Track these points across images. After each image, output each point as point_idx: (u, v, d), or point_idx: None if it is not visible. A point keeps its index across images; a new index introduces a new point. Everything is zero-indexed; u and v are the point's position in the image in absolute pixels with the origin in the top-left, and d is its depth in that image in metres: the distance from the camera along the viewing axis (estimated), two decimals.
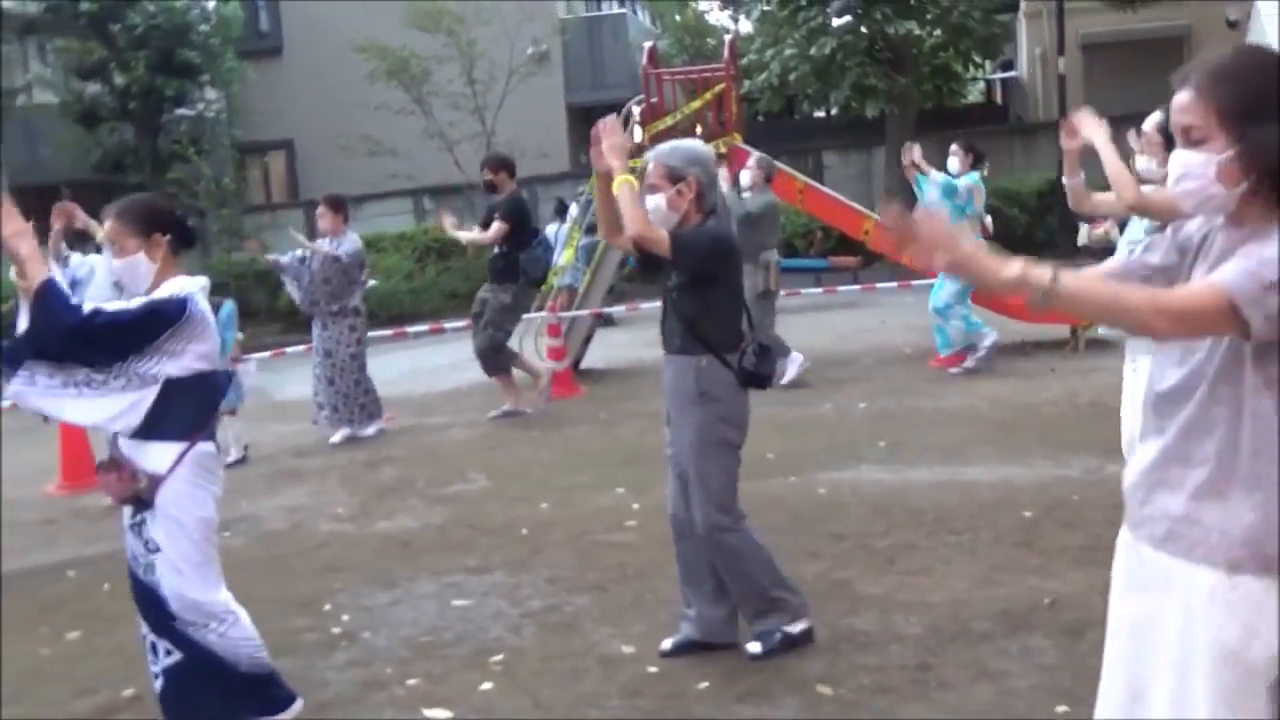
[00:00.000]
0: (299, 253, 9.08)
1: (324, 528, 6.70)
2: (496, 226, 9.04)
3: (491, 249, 9.31)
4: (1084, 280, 2.04)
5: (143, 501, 3.60)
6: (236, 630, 3.76)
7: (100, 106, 21.96)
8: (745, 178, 9.83)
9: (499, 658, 4.40)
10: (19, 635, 5.23)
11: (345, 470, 8.20)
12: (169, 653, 3.70)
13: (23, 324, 3.47)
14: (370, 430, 9.12)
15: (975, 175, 9.67)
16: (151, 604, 3.68)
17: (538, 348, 10.77)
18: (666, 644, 4.31)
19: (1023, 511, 5.65)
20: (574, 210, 13.50)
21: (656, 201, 4.13)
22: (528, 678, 4.22)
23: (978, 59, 23.61)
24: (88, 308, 3.48)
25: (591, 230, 12.69)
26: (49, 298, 3.39)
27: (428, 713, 3.99)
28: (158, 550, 3.63)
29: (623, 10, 28.11)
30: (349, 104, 21.63)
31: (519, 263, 9.09)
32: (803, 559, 5.09)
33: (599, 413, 9.42)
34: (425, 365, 13.53)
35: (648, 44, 12.85)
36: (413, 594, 5.27)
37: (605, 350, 12.53)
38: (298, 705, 3.89)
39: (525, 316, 11.21)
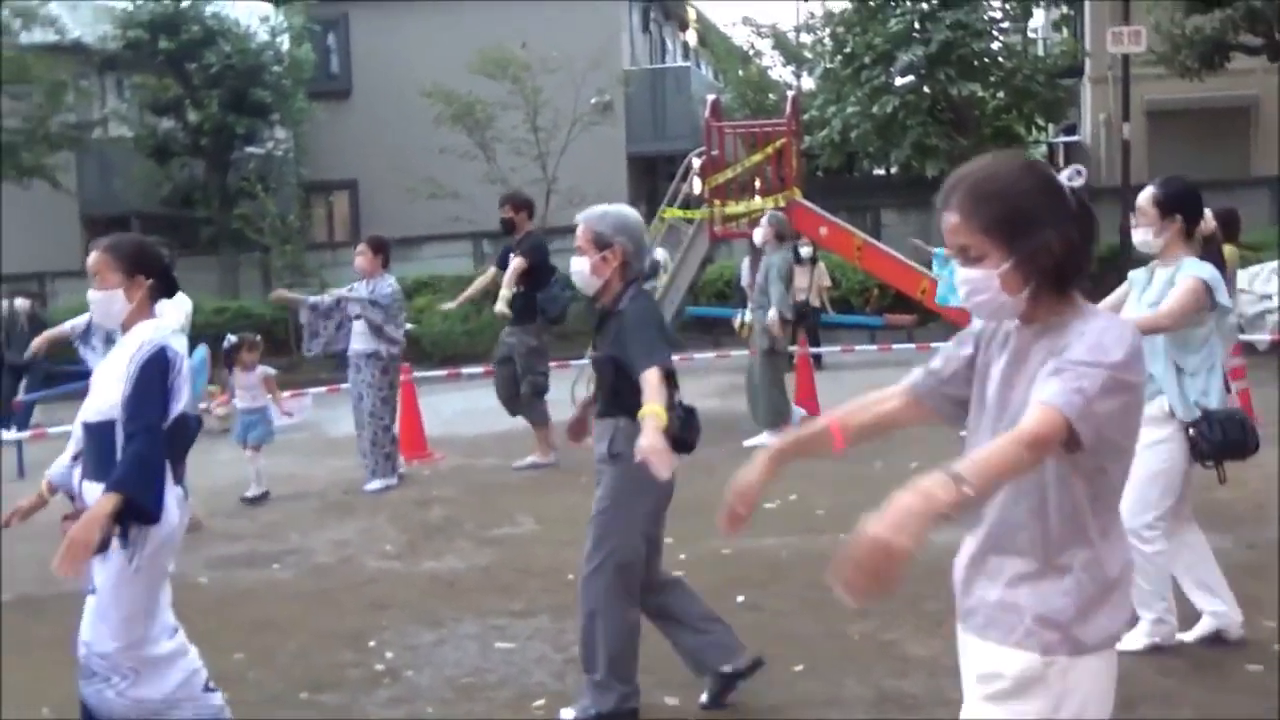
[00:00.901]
0: (328, 297, 9.05)
1: (372, 564, 6.74)
2: (515, 264, 8.94)
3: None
4: (982, 465, 1.98)
5: (99, 544, 3.48)
6: (134, 691, 3.61)
7: (173, 142, 22.47)
8: (758, 235, 9.92)
9: (541, 702, 4.40)
10: (68, 656, 5.27)
11: (395, 508, 8.25)
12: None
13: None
14: (380, 485, 8.78)
15: None
16: None
17: (590, 391, 10.80)
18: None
19: None
20: None
21: (580, 265, 4.18)
22: None
23: (1040, 122, 23.54)
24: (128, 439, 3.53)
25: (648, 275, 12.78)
26: (128, 482, 3.45)
27: None
28: (91, 592, 3.57)
29: (686, 64, 28.38)
30: (413, 147, 21.97)
31: (537, 302, 9.05)
32: (850, 618, 5.04)
33: None
34: (478, 406, 13.56)
35: (711, 97, 12.98)
36: (457, 634, 5.28)
37: None
38: None
39: (575, 363, 11.27)
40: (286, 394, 10.00)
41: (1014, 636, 2.17)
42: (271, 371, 9.16)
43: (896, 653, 4.75)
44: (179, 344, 3.69)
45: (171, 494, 3.59)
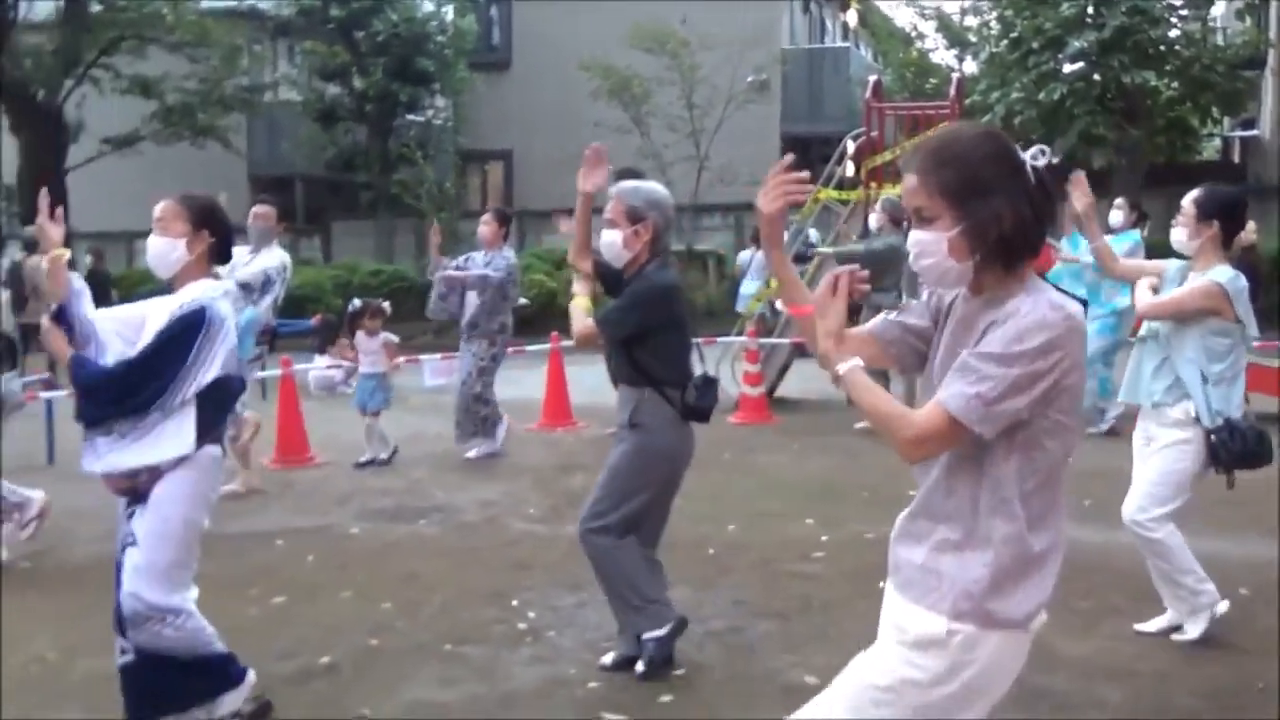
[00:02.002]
0: (455, 262, 9.02)
1: (516, 526, 6.85)
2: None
3: None
4: (861, 379, 2.21)
5: (138, 494, 3.58)
6: (191, 623, 3.69)
7: (339, 107, 23.14)
8: (873, 220, 9.85)
9: (680, 672, 4.41)
10: (231, 594, 5.50)
11: (539, 473, 8.37)
12: (124, 652, 3.68)
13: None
14: (480, 452, 8.83)
15: (1136, 234, 9.38)
16: (117, 594, 3.65)
17: (734, 372, 10.79)
18: (606, 658, 4.43)
19: (1238, 589, 5.33)
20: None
21: (612, 237, 4.21)
22: (707, 695, 4.22)
23: (1217, 114, 22.51)
24: (109, 361, 3.61)
25: (799, 259, 12.65)
26: (76, 367, 3.56)
27: (608, 716, 4.02)
28: (133, 544, 3.59)
29: (845, 45, 27.95)
30: (569, 119, 22.16)
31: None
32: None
33: (791, 443, 9.36)
34: None
35: (873, 78, 12.75)
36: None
37: (801, 381, 12.43)
38: (250, 678, 3.88)
39: (723, 340, 11.26)
40: (438, 356, 10.21)
41: (928, 599, 2.23)
42: (394, 339, 9.22)
43: (1045, 649, 4.61)
44: (224, 308, 3.69)
45: (209, 453, 3.65)
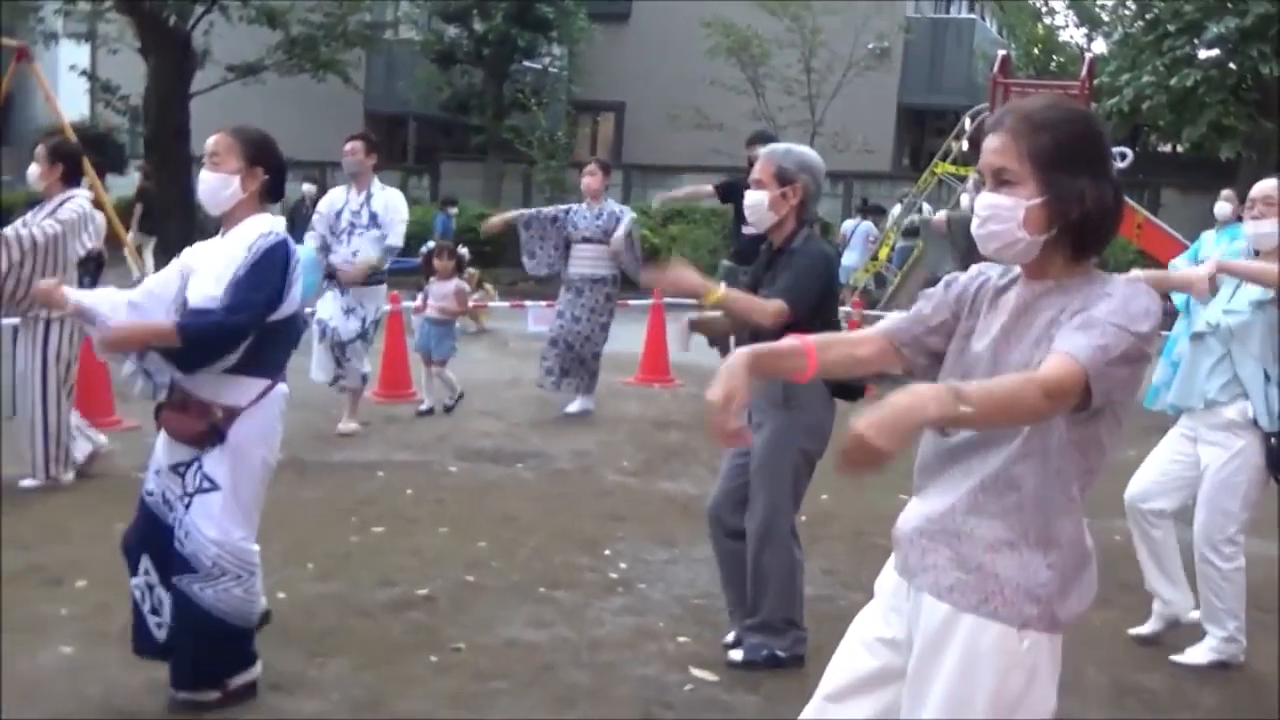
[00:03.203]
0: (550, 211, 8.85)
1: (610, 477, 6.93)
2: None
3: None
4: (988, 391, 1.91)
5: (214, 436, 3.45)
6: (257, 584, 3.60)
7: (457, 49, 23.31)
8: (964, 198, 9.59)
9: None
10: (333, 521, 5.69)
11: (634, 426, 8.44)
12: (159, 626, 3.57)
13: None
14: (582, 407, 8.71)
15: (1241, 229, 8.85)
16: (165, 552, 3.50)
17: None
18: (729, 637, 4.30)
19: None
20: (895, 212, 13.33)
21: (759, 198, 4.07)
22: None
23: None
24: (219, 308, 3.44)
25: (910, 233, 12.51)
26: (192, 338, 3.40)
27: (696, 672, 4.07)
28: (209, 489, 3.44)
29: (972, 16, 27.36)
30: (684, 76, 22.07)
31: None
32: (1093, 605, 4.86)
33: None
34: None
35: (1001, 52, 12.48)
36: (690, 556, 5.38)
37: None
38: (256, 668, 3.69)
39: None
40: (543, 303, 10.29)
41: (988, 606, 2.07)
42: (466, 287, 9.01)
43: (1139, 646, 4.56)
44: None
45: (280, 390, 3.60)
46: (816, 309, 3.98)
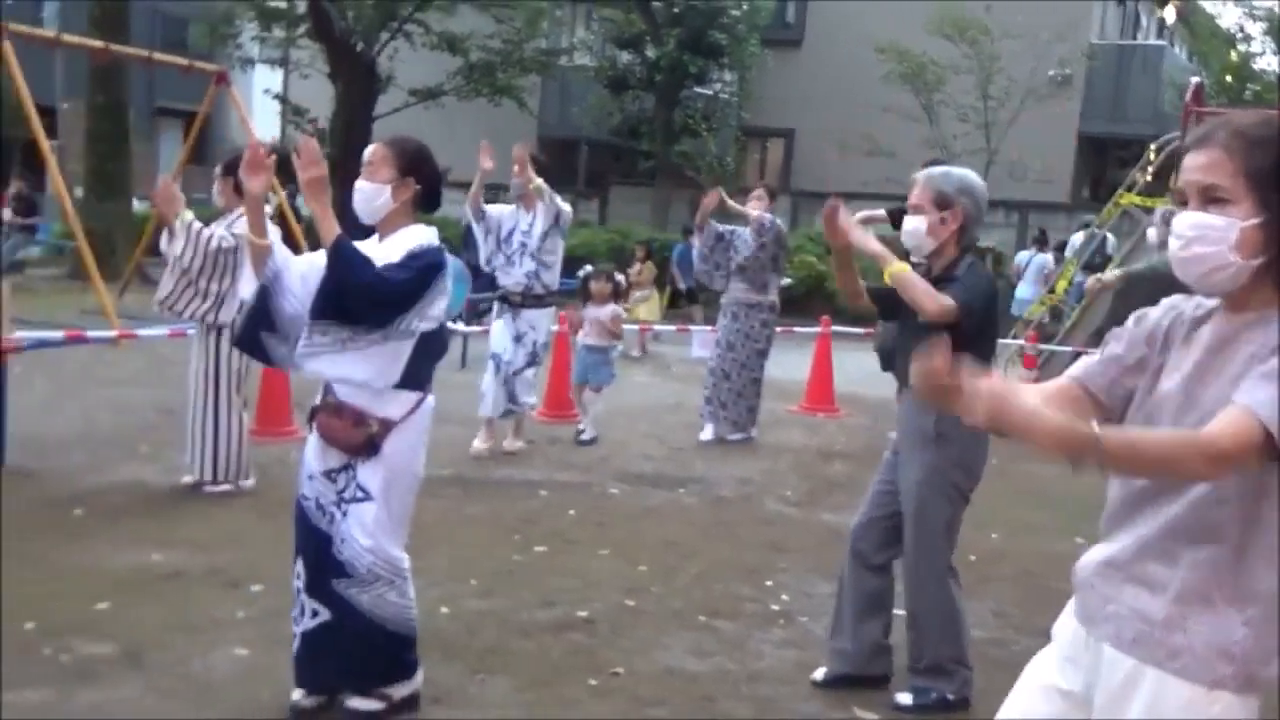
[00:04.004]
0: (719, 227, 8.62)
1: (772, 506, 6.83)
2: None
3: None
4: (1133, 442, 1.82)
5: (369, 448, 3.47)
6: (409, 590, 3.60)
7: (630, 75, 23.60)
8: (1151, 233, 9.04)
9: None
10: (496, 537, 5.75)
11: (798, 456, 8.32)
12: (315, 614, 3.55)
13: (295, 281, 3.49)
14: (740, 436, 8.57)
15: None
16: (322, 557, 3.52)
17: (1008, 377, 10.38)
18: (818, 674, 4.17)
19: None
20: (1076, 240, 12.86)
21: (916, 224, 3.86)
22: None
23: None
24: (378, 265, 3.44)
25: (1090, 268, 12.07)
26: (346, 254, 3.37)
27: (859, 712, 3.95)
28: (363, 499, 3.47)
29: (1160, 43, 26.33)
30: (856, 102, 21.84)
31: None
32: None
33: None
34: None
35: (1194, 80, 11.95)
36: None
37: None
38: (418, 678, 3.69)
39: (1000, 341, 10.84)
40: (707, 329, 10.26)
41: (1177, 662, 1.90)
42: (622, 313, 8.89)
43: None
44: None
45: (430, 403, 3.60)
46: (978, 332, 3.80)
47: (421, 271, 3.45)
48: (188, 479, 6.23)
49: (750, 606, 4.97)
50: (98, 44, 13.88)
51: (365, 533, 3.47)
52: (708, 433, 8.60)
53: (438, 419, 8.15)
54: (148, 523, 5.58)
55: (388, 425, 3.48)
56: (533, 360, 7.62)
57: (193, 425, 6.17)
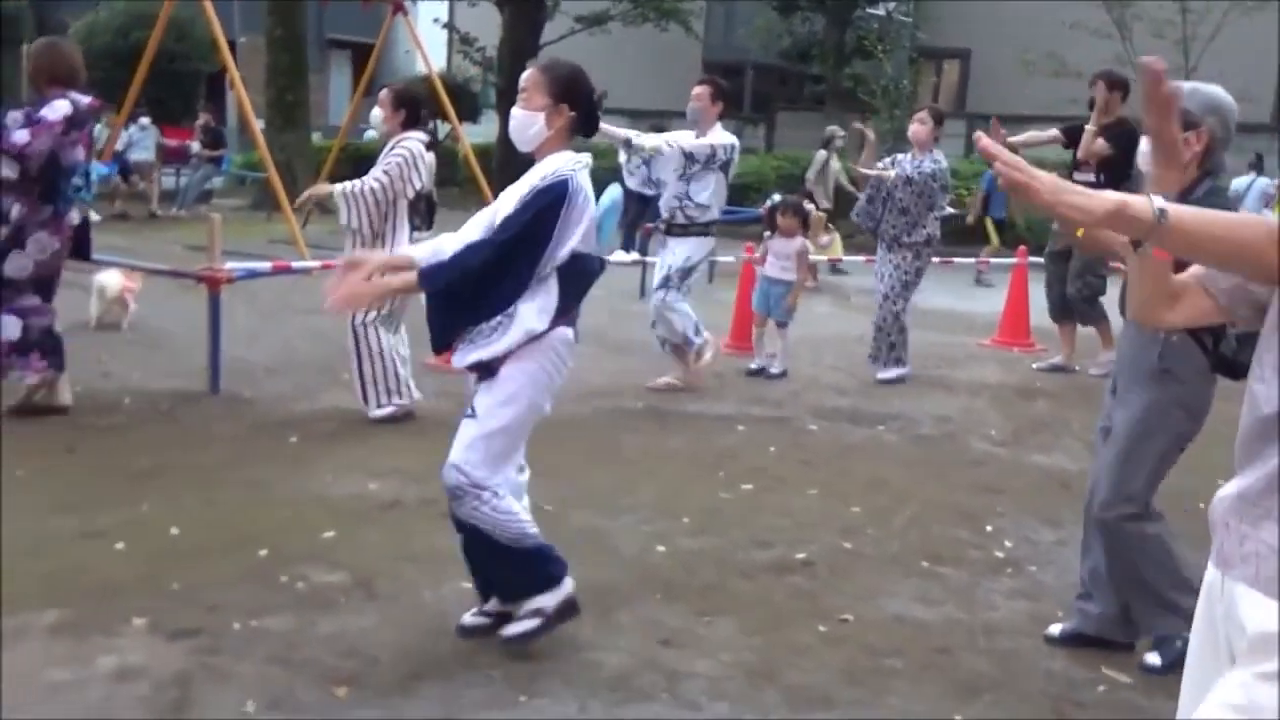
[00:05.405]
0: (881, 163, 8.24)
1: (977, 445, 6.57)
2: (1098, 145, 7.80)
3: None
4: (1200, 210, 1.72)
5: (484, 369, 3.43)
6: (504, 505, 3.48)
7: None
8: None
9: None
10: (700, 474, 5.67)
11: (995, 392, 8.01)
12: (460, 528, 3.57)
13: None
14: (892, 374, 8.08)
15: None
16: None
17: None
18: (1054, 629, 3.95)
19: None
20: None
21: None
22: None
23: None
24: (462, 244, 3.43)
25: None
26: (443, 274, 3.37)
27: (1107, 671, 3.74)
28: (470, 416, 3.46)
29: None
30: (1038, 19, 20.80)
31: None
32: None
33: None
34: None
35: None
36: (1080, 539, 4.98)
37: None
38: (567, 584, 3.61)
39: None
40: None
41: None
42: (810, 247, 8.54)
43: None
44: (584, 179, 3.46)
45: (561, 334, 3.47)
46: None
47: (539, 211, 3.35)
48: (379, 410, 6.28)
49: (973, 553, 4.77)
50: None
51: (458, 448, 3.45)
52: (883, 373, 8.13)
53: (618, 350, 8.12)
54: (358, 450, 5.67)
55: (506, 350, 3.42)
56: (665, 285, 7.24)
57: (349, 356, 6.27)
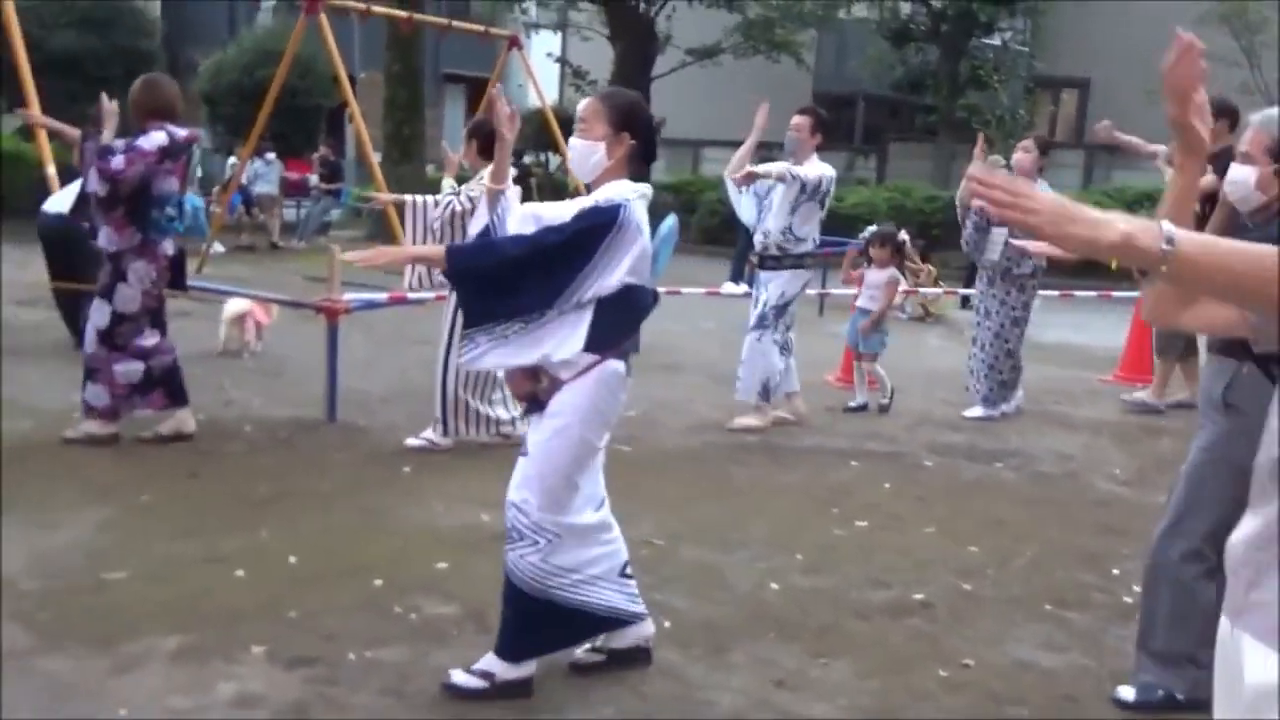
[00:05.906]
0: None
1: (1100, 485, 6.36)
2: (1204, 180, 7.50)
3: None
4: (1210, 238, 1.59)
5: (537, 403, 3.40)
6: (555, 558, 3.40)
7: (913, 26, 22.76)
8: None
9: None
10: (814, 510, 5.57)
11: (1118, 430, 7.76)
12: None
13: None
14: (999, 411, 7.83)
15: None
16: None
17: None
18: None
19: None
20: None
21: (1244, 174, 3.30)
22: None
23: None
24: (509, 232, 3.42)
25: None
26: (458, 258, 3.38)
27: None
28: (526, 454, 3.40)
29: None
30: (1161, 47, 20.00)
31: None
32: None
33: None
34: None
35: None
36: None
37: None
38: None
39: None
40: None
41: None
42: (900, 278, 8.39)
43: None
44: (639, 209, 3.36)
45: (610, 367, 3.37)
46: None
47: (588, 228, 3.27)
48: (485, 436, 6.33)
49: (1099, 597, 4.60)
50: (402, 14, 14.45)
51: (513, 487, 3.42)
52: (976, 410, 7.88)
53: (728, 382, 7.93)
54: (471, 480, 5.69)
55: (555, 384, 3.37)
56: (762, 324, 7.07)
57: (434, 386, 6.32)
